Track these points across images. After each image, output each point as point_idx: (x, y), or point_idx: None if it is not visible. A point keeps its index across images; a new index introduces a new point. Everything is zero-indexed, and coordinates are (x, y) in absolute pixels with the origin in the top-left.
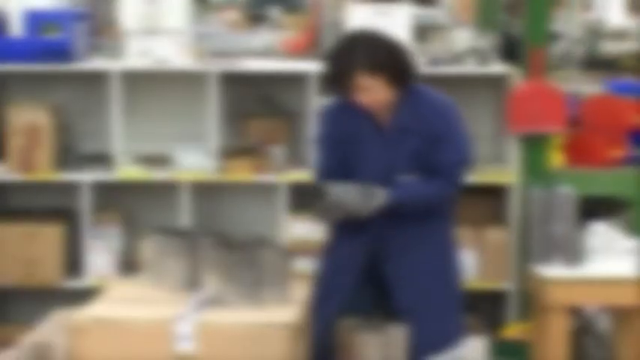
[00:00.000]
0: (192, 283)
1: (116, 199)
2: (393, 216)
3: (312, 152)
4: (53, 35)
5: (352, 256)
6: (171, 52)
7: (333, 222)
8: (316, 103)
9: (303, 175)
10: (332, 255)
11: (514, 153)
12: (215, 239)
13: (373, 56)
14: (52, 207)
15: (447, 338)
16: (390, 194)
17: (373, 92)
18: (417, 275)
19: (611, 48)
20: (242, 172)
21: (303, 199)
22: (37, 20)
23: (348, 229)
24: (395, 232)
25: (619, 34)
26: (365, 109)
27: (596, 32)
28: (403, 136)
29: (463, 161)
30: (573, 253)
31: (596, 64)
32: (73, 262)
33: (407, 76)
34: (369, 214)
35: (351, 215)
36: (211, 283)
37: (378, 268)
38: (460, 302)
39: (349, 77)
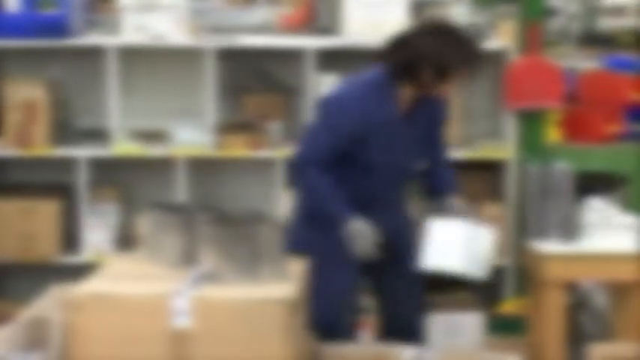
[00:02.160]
0: (189, 258)
1: (113, 174)
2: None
3: (316, 128)
4: (50, 11)
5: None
6: (168, 27)
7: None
8: (313, 78)
9: None
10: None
11: (511, 129)
12: (212, 215)
13: (474, 55)
14: (48, 182)
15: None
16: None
17: (449, 86)
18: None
19: (608, 24)
20: (239, 148)
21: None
22: None
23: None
24: (399, 224)
25: (616, 10)
26: (396, 99)
27: (593, 8)
28: (422, 125)
29: None
30: (570, 229)
31: (594, 39)
32: (70, 238)
33: None
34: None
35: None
36: (208, 259)
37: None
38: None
39: (453, 71)
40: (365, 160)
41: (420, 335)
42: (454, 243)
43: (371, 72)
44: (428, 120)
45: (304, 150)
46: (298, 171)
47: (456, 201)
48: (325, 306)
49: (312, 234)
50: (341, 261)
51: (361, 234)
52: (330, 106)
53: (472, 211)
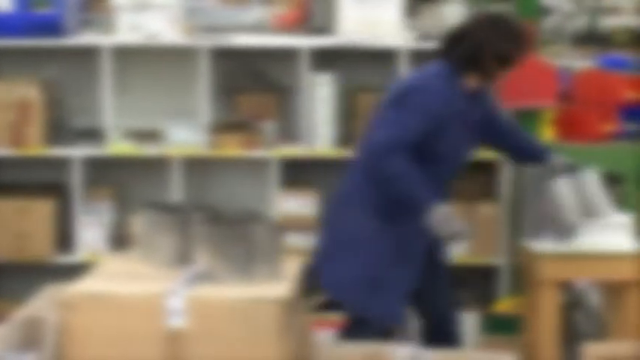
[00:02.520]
0: (183, 258)
1: (107, 174)
2: None
3: (399, 115)
4: (44, 10)
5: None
6: (162, 27)
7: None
8: (307, 78)
9: (294, 150)
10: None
11: None
12: (206, 214)
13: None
14: (43, 182)
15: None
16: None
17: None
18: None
19: (604, 23)
20: (233, 148)
21: (294, 174)
22: None
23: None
24: None
25: (613, 9)
26: (462, 90)
27: (589, 7)
28: (478, 112)
29: None
30: (564, 228)
31: (589, 39)
32: (65, 237)
33: None
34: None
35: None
36: (202, 259)
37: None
38: None
39: (517, 62)
40: (435, 152)
41: (458, 336)
42: (586, 194)
43: (433, 66)
44: (482, 108)
45: (390, 136)
46: (381, 157)
47: (558, 159)
48: (393, 301)
49: (383, 226)
50: (410, 256)
51: (449, 218)
52: (413, 92)
53: (568, 161)
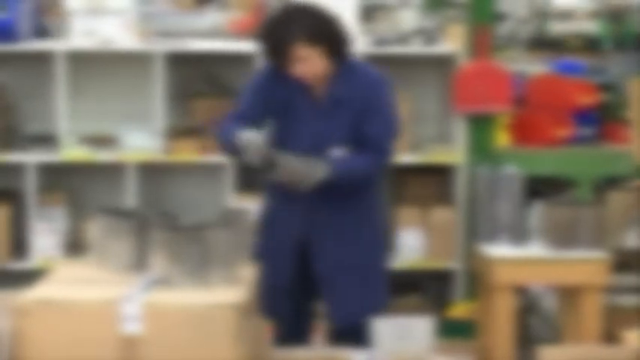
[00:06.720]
0: (138, 263)
1: (62, 179)
2: (323, 189)
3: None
4: None
5: (287, 227)
6: (116, 32)
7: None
8: None
9: None
10: (268, 229)
11: (460, 133)
12: (162, 220)
13: (312, 27)
14: None
15: (366, 308)
16: (330, 168)
17: (310, 63)
18: (338, 245)
19: (557, 28)
20: (188, 153)
21: (250, 178)
22: None
23: (280, 202)
24: (322, 204)
25: (566, 14)
26: (300, 80)
27: (543, 12)
28: (337, 108)
29: (391, 134)
30: (519, 233)
31: (542, 44)
32: (19, 244)
33: (344, 49)
34: (312, 186)
35: (295, 185)
36: (158, 264)
37: (306, 239)
38: (385, 275)
39: (287, 47)
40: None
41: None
42: None
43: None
44: (351, 107)
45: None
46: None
47: None
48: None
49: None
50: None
51: (251, 142)
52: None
53: None
